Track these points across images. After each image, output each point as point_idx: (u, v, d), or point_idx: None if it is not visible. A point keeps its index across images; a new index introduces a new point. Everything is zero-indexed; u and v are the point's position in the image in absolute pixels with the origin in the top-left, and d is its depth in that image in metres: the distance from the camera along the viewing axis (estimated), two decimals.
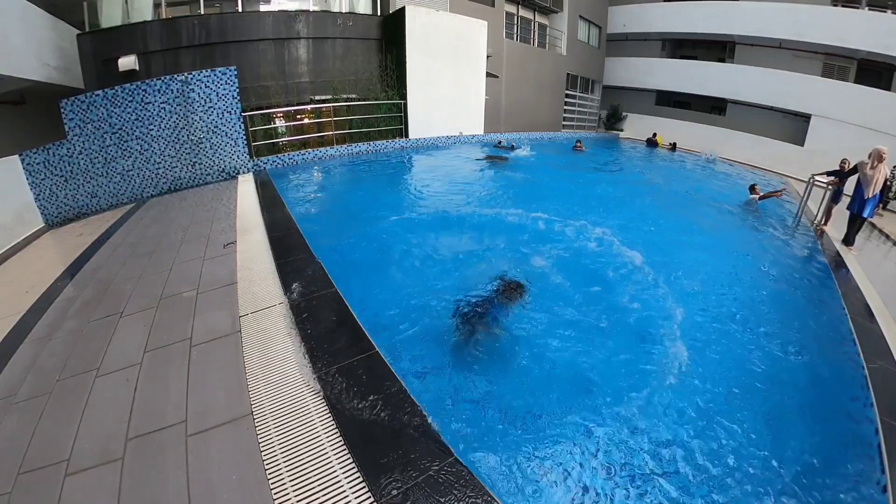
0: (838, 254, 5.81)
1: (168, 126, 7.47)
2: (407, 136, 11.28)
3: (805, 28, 15.59)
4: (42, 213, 6.53)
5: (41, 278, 4.38)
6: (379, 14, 11.63)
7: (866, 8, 14.96)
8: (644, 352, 3.16)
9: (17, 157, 6.30)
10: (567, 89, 19.21)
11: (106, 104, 6.97)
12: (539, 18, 17.53)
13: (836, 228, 6.78)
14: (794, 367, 3.20)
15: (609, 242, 5.19)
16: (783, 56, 16.75)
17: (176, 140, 7.61)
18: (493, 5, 14.49)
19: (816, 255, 5.82)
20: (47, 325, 3.37)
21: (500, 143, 12.81)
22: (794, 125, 16.30)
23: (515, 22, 16.22)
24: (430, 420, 2.00)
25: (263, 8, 11.04)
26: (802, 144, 15.78)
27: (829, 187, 7.05)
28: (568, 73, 18.97)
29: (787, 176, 14.11)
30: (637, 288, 4.11)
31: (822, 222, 7.11)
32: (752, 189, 9.16)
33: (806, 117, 15.82)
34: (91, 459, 2.02)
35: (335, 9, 11.13)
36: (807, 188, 7.55)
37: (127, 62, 9.02)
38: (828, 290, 4.64)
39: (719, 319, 3.75)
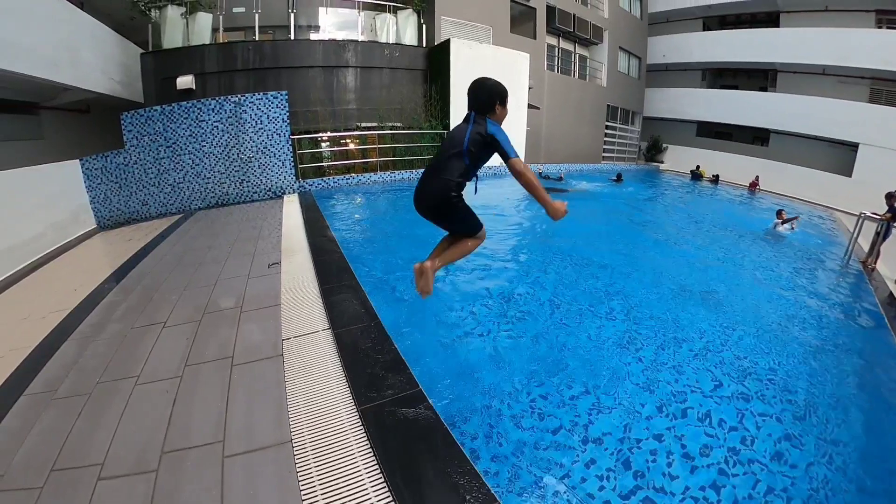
0: (892, 294, 5.48)
1: (220, 144, 7.81)
2: None
3: (849, 52, 15.19)
4: (95, 215, 6.86)
5: (89, 278, 4.52)
6: (424, 46, 12.06)
7: None
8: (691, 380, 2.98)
9: (77, 161, 6.68)
10: (607, 120, 19.37)
11: (163, 119, 7.35)
12: (580, 50, 17.91)
13: (888, 266, 6.42)
14: (848, 422, 2.92)
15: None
16: (827, 82, 16.36)
17: (226, 157, 7.93)
18: (534, 38, 14.88)
19: (867, 295, 5.50)
20: (91, 326, 3.43)
21: (540, 173, 12.85)
22: (840, 155, 15.67)
23: (556, 54, 16.62)
24: (475, 465, 1.91)
25: (314, 37, 11.63)
26: (850, 175, 15.12)
27: (882, 222, 6.71)
28: (608, 105, 19.17)
29: (834, 209, 13.50)
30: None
31: (873, 260, 6.73)
32: (779, 214, 9.18)
33: (853, 146, 15.20)
34: (125, 467, 1.98)
35: (382, 39, 11.60)
36: (857, 223, 7.21)
37: (185, 81, 9.56)
38: (881, 333, 4.35)
39: (760, 365, 3.49)
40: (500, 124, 2.40)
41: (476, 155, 2.33)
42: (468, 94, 2.43)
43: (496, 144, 2.29)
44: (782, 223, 8.93)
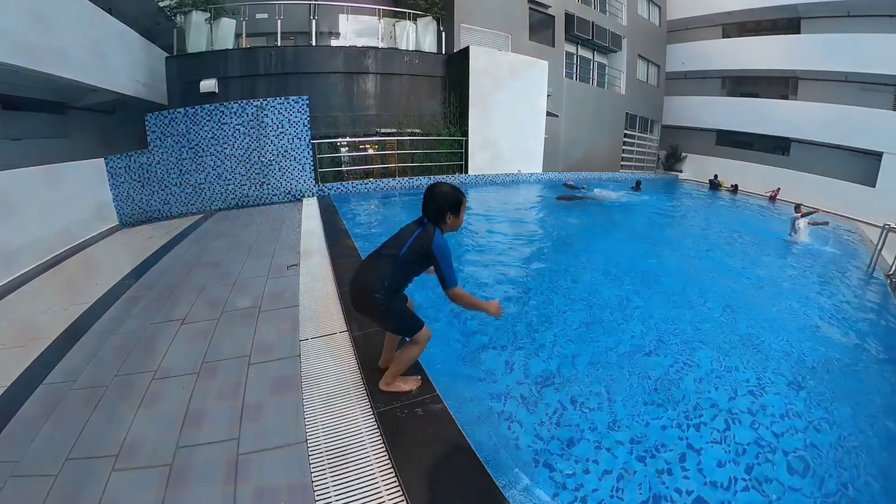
0: None
1: (241, 146, 7.92)
2: (467, 171, 11.42)
3: (872, 59, 14.78)
4: (118, 213, 7.01)
5: (110, 273, 4.59)
6: (444, 53, 12.10)
7: None
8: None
9: (102, 160, 6.83)
10: (626, 129, 19.08)
11: (186, 121, 7.49)
12: (598, 58, 17.75)
13: None
14: (869, 450, 2.73)
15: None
16: (850, 90, 15.86)
17: (247, 160, 8.03)
18: (553, 45, 14.82)
19: (892, 308, 5.30)
20: (111, 320, 3.48)
21: (567, 183, 12.74)
22: (863, 164, 15.17)
23: (575, 61, 16.46)
24: (489, 470, 1.85)
25: (335, 43, 11.77)
26: (874, 185, 14.64)
27: None
28: (627, 113, 18.92)
29: (857, 220, 13.13)
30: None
31: None
32: (798, 208, 8.97)
33: (877, 155, 14.71)
34: (140, 459, 1.99)
35: (402, 46, 11.68)
36: (881, 235, 6.96)
37: (208, 84, 9.74)
38: None
39: (777, 388, 3.30)
40: (456, 230, 2.22)
41: (412, 266, 2.14)
42: (423, 198, 2.17)
43: (436, 264, 2.09)
44: (801, 216, 8.66)
